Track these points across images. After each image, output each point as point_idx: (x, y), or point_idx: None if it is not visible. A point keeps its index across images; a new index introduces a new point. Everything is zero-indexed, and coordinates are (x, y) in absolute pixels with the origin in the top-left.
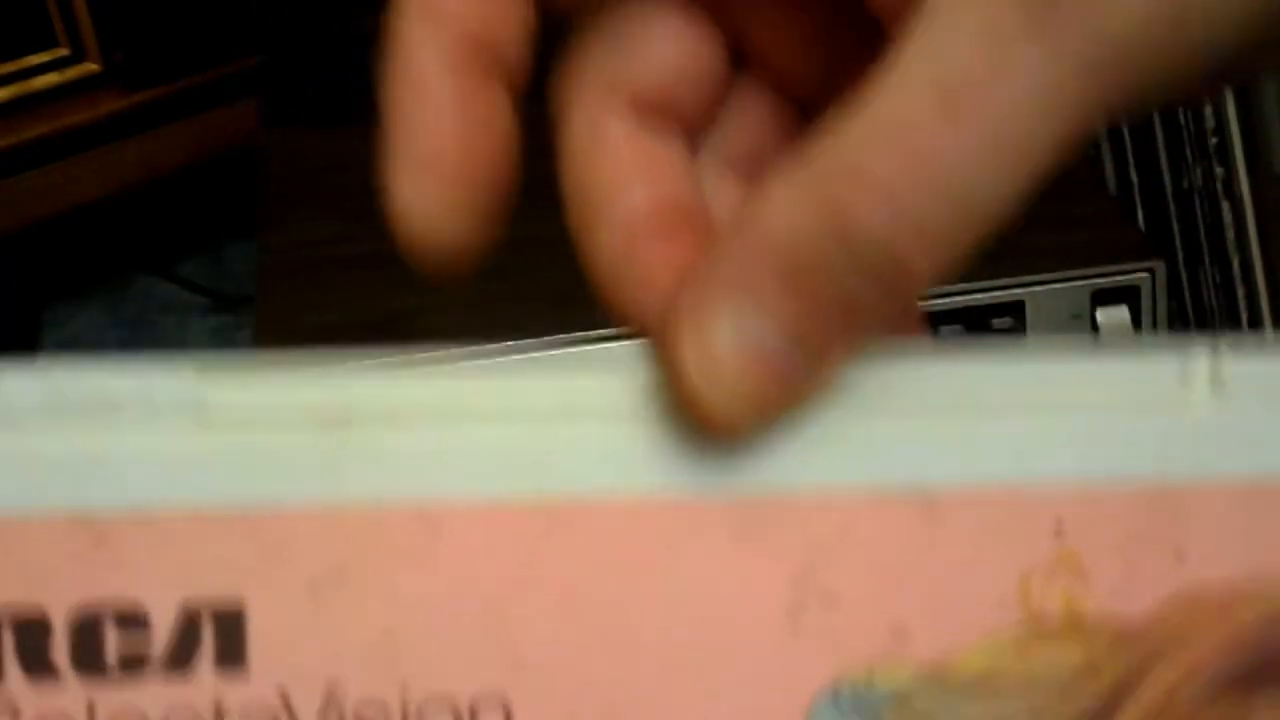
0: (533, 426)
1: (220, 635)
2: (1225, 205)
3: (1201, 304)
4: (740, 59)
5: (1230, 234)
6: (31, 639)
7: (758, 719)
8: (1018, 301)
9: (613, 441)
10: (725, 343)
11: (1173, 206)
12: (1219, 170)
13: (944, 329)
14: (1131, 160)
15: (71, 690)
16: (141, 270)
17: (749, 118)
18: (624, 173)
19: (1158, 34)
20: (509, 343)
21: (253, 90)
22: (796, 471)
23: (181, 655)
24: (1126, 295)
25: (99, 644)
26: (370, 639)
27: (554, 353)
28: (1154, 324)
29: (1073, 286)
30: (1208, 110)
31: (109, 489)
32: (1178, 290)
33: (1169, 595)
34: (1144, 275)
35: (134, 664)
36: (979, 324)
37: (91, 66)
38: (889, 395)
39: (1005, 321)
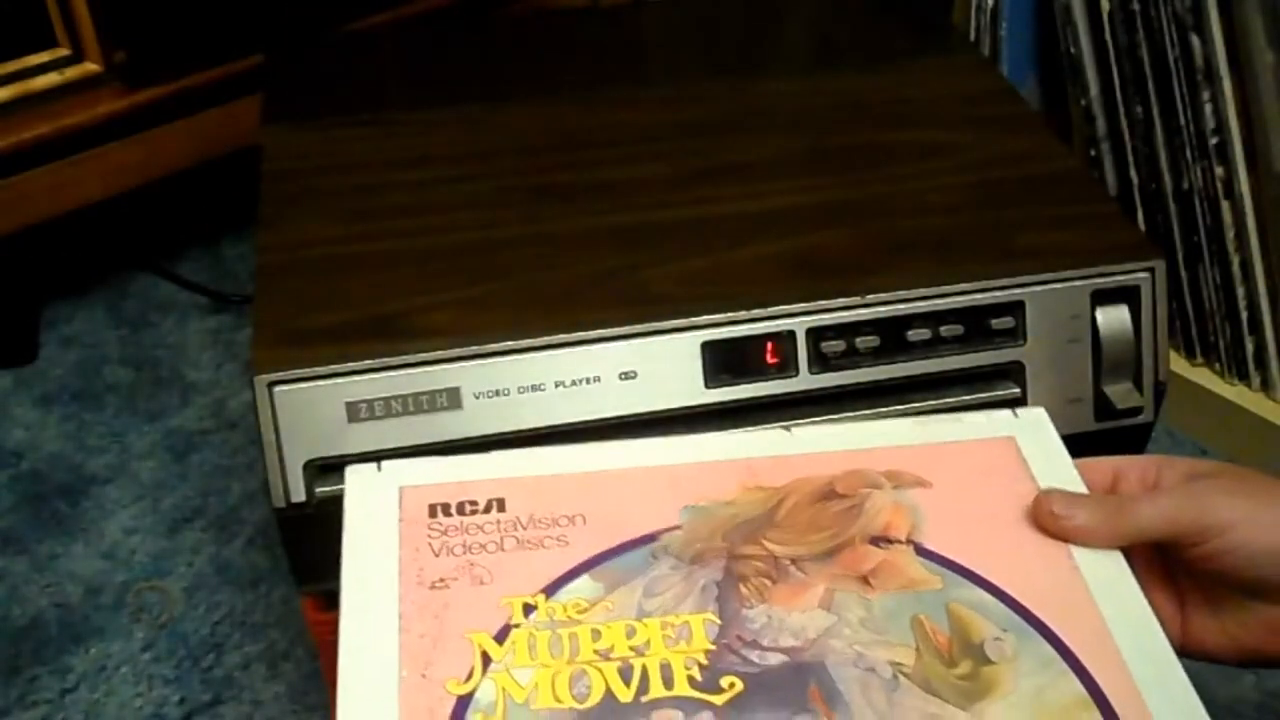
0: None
1: (497, 505)
2: (1225, 205)
3: (1201, 304)
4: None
5: (1230, 234)
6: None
7: (654, 514)
8: (1018, 301)
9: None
10: None
11: (1173, 206)
12: (1219, 170)
13: (944, 329)
14: (1131, 160)
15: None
16: (141, 270)
17: None
18: None
19: None
20: (509, 343)
21: (253, 90)
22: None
23: (487, 508)
24: (1126, 295)
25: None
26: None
27: (554, 353)
28: (1154, 324)
29: (1073, 286)
30: (1208, 110)
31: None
32: (1178, 290)
33: (793, 479)
34: (1144, 275)
35: (470, 512)
36: (979, 324)
37: (91, 66)
38: None
39: (1005, 321)
